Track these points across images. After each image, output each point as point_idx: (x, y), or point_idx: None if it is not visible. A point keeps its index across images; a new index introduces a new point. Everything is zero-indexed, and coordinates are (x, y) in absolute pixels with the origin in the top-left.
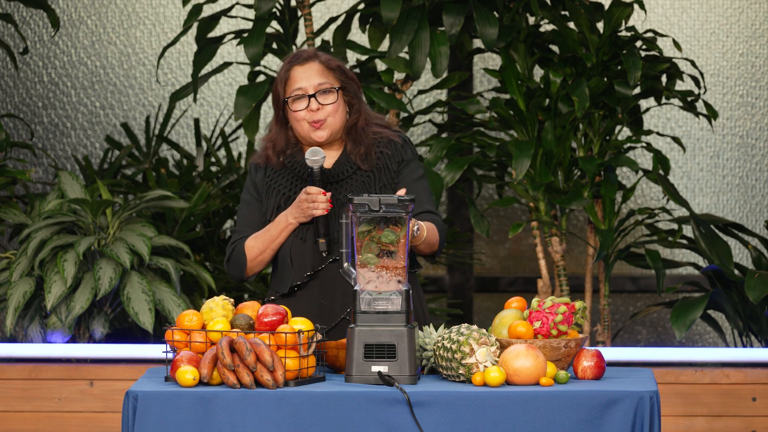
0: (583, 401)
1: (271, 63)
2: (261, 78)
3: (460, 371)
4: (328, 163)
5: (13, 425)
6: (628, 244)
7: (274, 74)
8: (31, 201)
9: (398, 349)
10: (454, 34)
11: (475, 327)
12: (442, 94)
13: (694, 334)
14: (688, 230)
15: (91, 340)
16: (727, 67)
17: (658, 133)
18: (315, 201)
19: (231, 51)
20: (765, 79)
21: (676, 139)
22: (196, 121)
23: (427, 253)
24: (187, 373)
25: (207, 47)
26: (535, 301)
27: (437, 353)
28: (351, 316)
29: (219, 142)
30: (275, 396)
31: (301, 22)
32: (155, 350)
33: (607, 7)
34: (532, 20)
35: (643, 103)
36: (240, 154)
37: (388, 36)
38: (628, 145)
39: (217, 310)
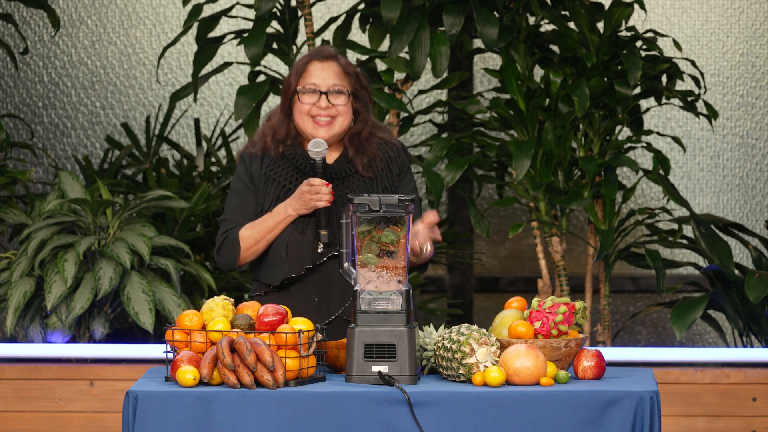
0: (583, 401)
1: (272, 63)
2: (261, 78)
3: (461, 371)
4: (330, 159)
5: (13, 425)
6: (628, 244)
7: (275, 74)
8: (31, 201)
9: (398, 349)
10: (455, 34)
11: (475, 327)
12: (443, 94)
13: (694, 334)
14: (688, 230)
15: (92, 340)
16: (728, 67)
17: (658, 133)
18: (318, 192)
19: (231, 51)
20: (765, 79)
21: (676, 139)
22: (197, 121)
23: (417, 266)
24: (187, 373)
25: (207, 47)
26: (535, 301)
27: (437, 353)
28: (346, 315)
29: (219, 142)
30: (275, 396)
31: (302, 22)
32: (155, 350)
33: (607, 7)
34: (532, 20)
35: (644, 103)
36: (241, 148)
37: (388, 36)
38: (629, 145)
39: (218, 310)
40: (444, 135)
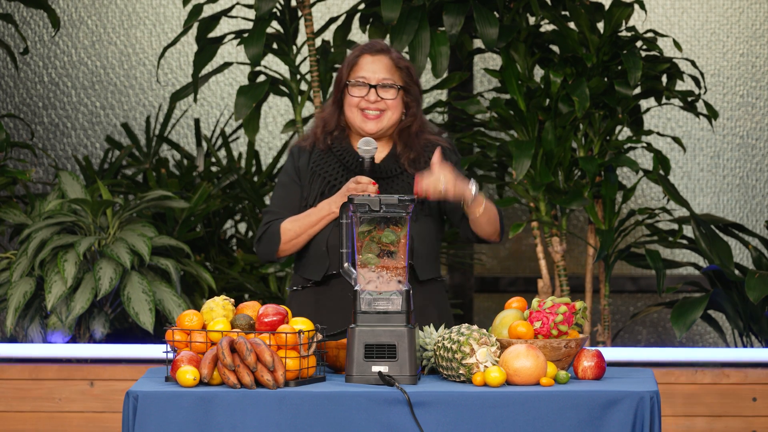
0: (583, 401)
1: (272, 63)
2: (261, 78)
3: (461, 371)
4: (377, 158)
5: (13, 425)
6: (628, 244)
7: (275, 74)
8: (31, 201)
9: (398, 349)
10: (455, 34)
11: (475, 327)
12: (443, 94)
13: (695, 335)
14: (688, 230)
15: (92, 340)
16: (728, 67)
17: (658, 133)
18: (365, 191)
19: (231, 51)
20: (765, 79)
21: (676, 139)
22: (197, 122)
23: (490, 233)
24: (187, 373)
25: (207, 47)
26: (535, 302)
27: (437, 353)
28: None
29: (219, 142)
30: (276, 396)
31: (302, 22)
32: (155, 350)
33: (607, 7)
34: (532, 20)
35: (644, 103)
36: (240, 155)
37: (388, 36)
38: (629, 145)
39: (218, 310)
40: (444, 135)
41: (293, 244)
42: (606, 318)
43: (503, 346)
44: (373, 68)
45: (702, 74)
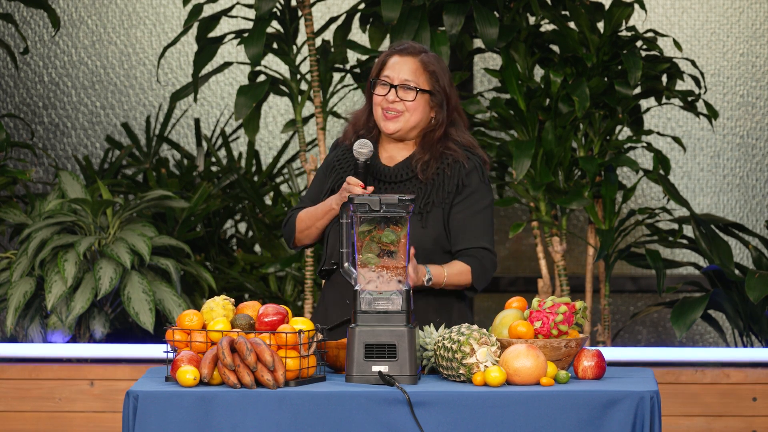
0: (583, 401)
1: (272, 63)
2: (261, 78)
3: (461, 371)
4: (395, 161)
5: (14, 425)
6: (628, 244)
7: (275, 74)
8: (31, 201)
9: (399, 349)
10: (455, 34)
11: (475, 327)
12: None
13: (695, 334)
14: (688, 230)
15: (92, 340)
16: (728, 67)
17: (658, 133)
18: (351, 192)
19: (231, 51)
20: (765, 79)
21: (676, 139)
22: (197, 121)
23: (465, 287)
24: (187, 373)
25: (207, 47)
26: (535, 301)
27: (438, 353)
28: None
29: (219, 142)
30: (276, 396)
31: (302, 21)
32: (156, 350)
33: (607, 7)
34: (532, 20)
35: (644, 103)
36: (240, 154)
37: (388, 36)
38: (629, 145)
39: (218, 309)
40: None
41: (306, 234)
42: (606, 318)
43: (503, 346)
44: (399, 68)
45: (702, 74)
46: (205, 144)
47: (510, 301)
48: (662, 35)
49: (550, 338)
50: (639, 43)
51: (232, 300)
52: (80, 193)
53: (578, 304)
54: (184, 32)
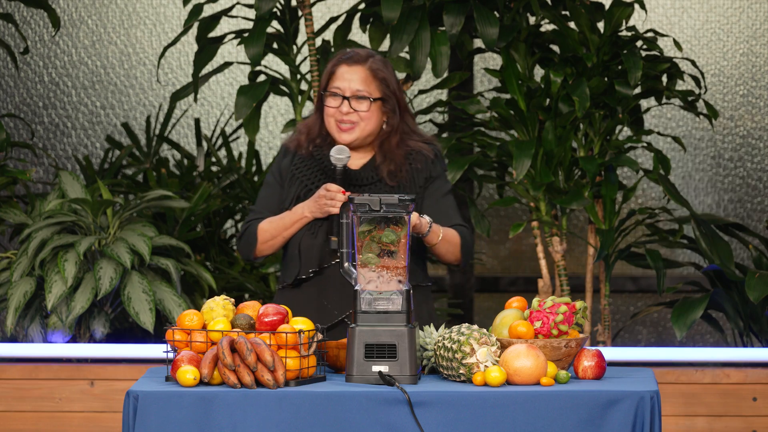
0: (583, 401)
1: (272, 63)
2: (261, 78)
3: (461, 371)
4: (356, 165)
5: (14, 425)
6: (628, 244)
7: (275, 74)
8: (31, 201)
9: (399, 349)
10: (455, 34)
11: (475, 327)
12: (443, 94)
13: (695, 334)
14: (688, 230)
15: (92, 339)
16: (728, 67)
17: (658, 133)
18: (333, 199)
19: (231, 51)
20: (765, 78)
21: (676, 139)
22: (197, 121)
23: (451, 260)
24: (187, 373)
25: (207, 47)
26: (535, 301)
27: (438, 353)
28: (350, 317)
29: (219, 142)
30: (276, 396)
31: (302, 21)
32: (156, 350)
33: (607, 6)
34: (532, 20)
35: (644, 103)
36: (240, 154)
37: (388, 36)
38: (629, 144)
39: (218, 309)
40: (444, 135)
41: (269, 245)
42: (606, 318)
43: (503, 346)
44: (349, 78)
45: (702, 74)
46: (205, 144)
47: (510, 301)
48: (662, 35)
49: (550, 338)
50: (639, 43)
51: (232, 300)
52: (80, 193)
53: (578, 304)
54: (185, 32)
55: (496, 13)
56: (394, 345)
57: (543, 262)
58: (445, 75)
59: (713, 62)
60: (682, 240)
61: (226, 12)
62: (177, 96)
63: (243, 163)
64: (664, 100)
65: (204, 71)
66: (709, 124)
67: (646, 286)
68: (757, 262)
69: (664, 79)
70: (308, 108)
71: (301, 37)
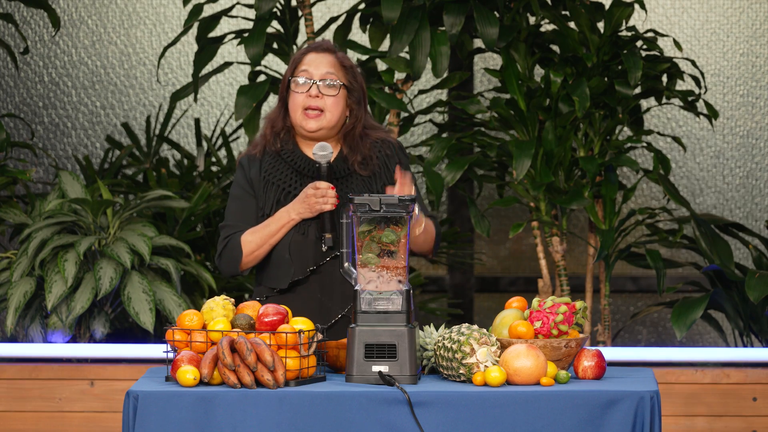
0: (583, 401)
1: (272, 63)
2: (261, 78)
3: (461, 371)
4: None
5: (14, 425)
6: (628, 244)
7: (275, 74)
8: (31, 201)
9: (399, 349)
10: (455, 34)
11: (475, 327)
12: (443, 94)
13: (695, 334)
14: (688, 230)
15: (92, 339)
16: (728, 67)
17: (658, 133)
18: (325, 196)
19: (231, 51)
20: (766, 78)
21: (676, 139)
22: (197, 121)
23: (424, 250)
24: (187, 373)
25: (207, 47)
26: (535, 301)
27: (438, 353)
28: (350, 315)
29: (220, 142)
30: (276, 396)
31: (302, 21)
32: (156, 350)
33: (607, 6)
34: (532, 20)
35: (644, 103)
36: (240, 154)
37: (388, 36)
38: (629, 145)
39: (218, 309)
40: (444, 135)
41: (255, 255)
42: (606, 318)
43: (503, 346)
44: (317, 63)
45: (702, 74)
46: (205, 144)
47: (510, 301)
48: (662, 35)
49: (550, 338)
50: (639, 43)
51: (232, 300)
52: (80, 193)
53: (578, 304)
54: (185, 32)
55: (496, 13)
56: (394, 345)
57: (543, 262)
58: (445, 75)
59: (713, 62)
60: (682, 240)
61: (226, 12)
62: (177, 96)
63: None
64: (664, 100)
65: (204, 71)
66: (709, 124)
67: (646, 286)
68: (757, 262)
69: (664, 79)
70: None
71: (301, 37)
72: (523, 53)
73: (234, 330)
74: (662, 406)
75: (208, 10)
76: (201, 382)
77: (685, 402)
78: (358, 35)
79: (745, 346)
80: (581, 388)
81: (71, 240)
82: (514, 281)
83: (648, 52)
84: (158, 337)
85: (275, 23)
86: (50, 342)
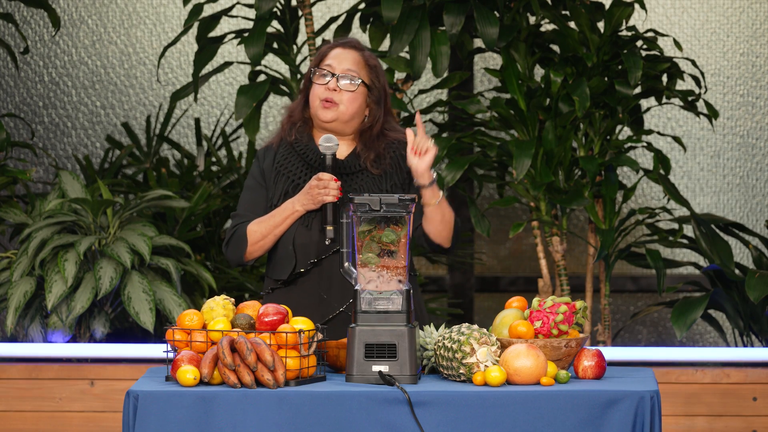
0: (583, 401)
1: (272, 63)
2: (261, 78)
3: (461, 371)
4: (341, 154)
5: (14, 425)
6: (628, 244)
7: (275, 74)
8: (31, 201)
9: (399, 349)
10: (455, 34)
11: (475, 327)
12: (443, 94)
13: (695, 334)
14: (688, 230)
15: (92, 339)
16: (728, 67)
17: (658, 133)
18: (327, 187)
19: (232, 51)
20: (766, 78)
21: (676, 139)
22: (197, 121)
23: (441, 238)
24: (187, 373)
25: (208, 47)
26: (535, 301)
27: (438, 353)
28: (349, 311)
29: (220, 141)
30: (276, 396)
31: (302, 21)
32: (156, 350)
33: (607, 6)
34: (532, 20)
35: (644, 103)
36: (241, 154)
37: (388, 36)
38: (629, 144)
39: (218, 309)
40: (444, 135)
41: (260, 245)
42: (606, 317)
43: (503, 346)
44: (341, 59)
45: (702, 74)
46: (205, 144)
47: (510, 301)
48: (662, 35)
49: (550, 338)
50: (639, 43)
51: (233, 300)
52: (80, 193)
53: (578, 303)
54: (185, 32)
55: (496, 13)
56: (394, 345)
57: (543, 262)
58: (445, 75)
59: (713, 62)
60: (682, 240)
61: (226, 12)
62: (177, 96)
63: (243, 162)
64: (664, 100)
65: (204, 71)
66: (709, 123)
67: (646, 286)
68: (757, 261)
69: (664, 78)
70: None
71: (301, 37)
72: (523, 53)
73: (234, 330)
74: (662, 406)
75: (208, 10)
76: (201, 382)
77: (685, 402)
78: (358, 35)
79: (745, 346)
80: (581, 387)
81: (71, 240)
82: (514, 281)
83: (648, 52)
84: (158, 337)
85: (275, 23)
86: (50, 342)
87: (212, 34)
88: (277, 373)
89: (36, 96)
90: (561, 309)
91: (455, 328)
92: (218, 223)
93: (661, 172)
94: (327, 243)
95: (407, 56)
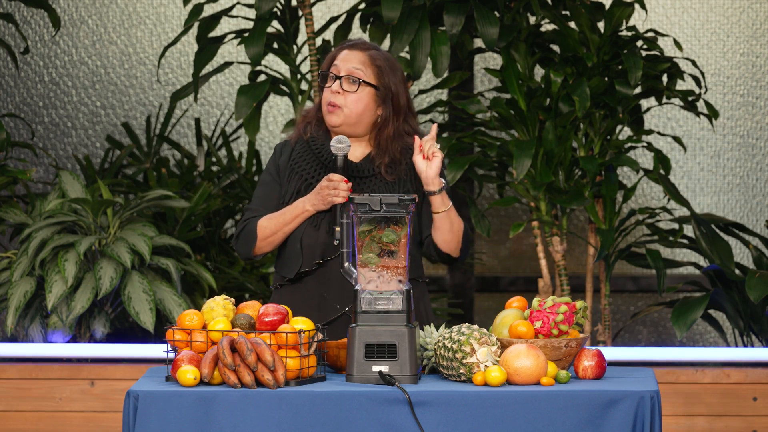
0: (583, 401)
1: (272, 63)
2: (262, 78)
3: (461, 371)
4: (355, 158)
5: (14, 425)
6: (628, 244)
7: (275, 74)
8: (31, 201)
9: (399, 349)
10: (455, 34)
11: (476, 327)
12: (443, 94)
13: (695, 334)
14: (688, 230)
15: (92, 339)
16: (728, 67)
17: (659, 133)
18: (336, 188)
19: (232, 51)
20: (766, 78)
21: (676, 139)
22: (197, 121)
23: (450, 247)
24: (188, 373)
25: (208, 47)
26: (536, 301)
27: (438, 353)
28: (350, 313)
29: (220, 141)
30: (276, 396)
31: (302, 21)
32: (156, 350)
33: (607, 6)
34: (532, 20)
35: (644, 103)
36: (241, 154)
37: (388, 36)
38: (629, 144)
39: (218, 309)
40: (444, 135)
41: (269, 241)
42: (606, 317)
43: (504, 346)
44: (346, 60)
45: (702, 74)
46: (205, 144)
47: (510, 301)
48: (662, 35)
49: (550, 338)
50: (639, 43)
51: (233, 300)
52: (80, 193)
53: (579, 303)
54: (185, 32)
55: (496, 13)
56: (394, 345)
57: (543, 262)
58: (446, 75)
59: (713, 62)
60: (682, 240)
61: (226, 12)
62: (177, 96)
63: (243, 163)
64: (664, 100)
65: (204, 71)
66: (709, 123)
67: (646, 286)
68: (757, 261)
69: (665, 78)
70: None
71: (302, 37)
72: (523, 53)
73: (234, 330)
74: (662, 406)
75: (209, 10)
76: (201, 382)
77: (685, 402)
78: (359, 35)
79: (745, 346)
80: (581, 387)
81: (71, 240)
82: (514, 281)
83: (648, 52)
84: (158, 337)
85: (275, 23)
86: (50, 342)
87: (212, 34)
88: (277, 373)
89: (36, 96)
90: (561, 309)
91: (455, 328)
92: (218, 223)
93: (661, 172)
94: (335, 243)
95: (407, 56)
